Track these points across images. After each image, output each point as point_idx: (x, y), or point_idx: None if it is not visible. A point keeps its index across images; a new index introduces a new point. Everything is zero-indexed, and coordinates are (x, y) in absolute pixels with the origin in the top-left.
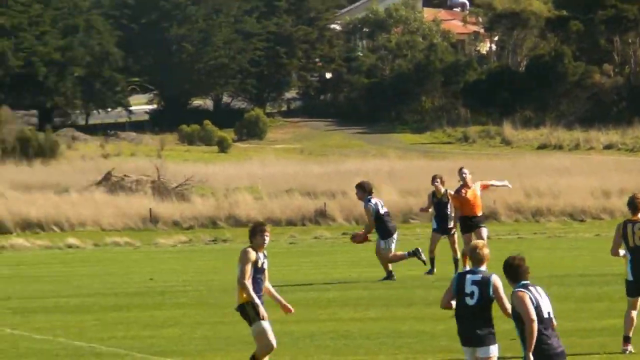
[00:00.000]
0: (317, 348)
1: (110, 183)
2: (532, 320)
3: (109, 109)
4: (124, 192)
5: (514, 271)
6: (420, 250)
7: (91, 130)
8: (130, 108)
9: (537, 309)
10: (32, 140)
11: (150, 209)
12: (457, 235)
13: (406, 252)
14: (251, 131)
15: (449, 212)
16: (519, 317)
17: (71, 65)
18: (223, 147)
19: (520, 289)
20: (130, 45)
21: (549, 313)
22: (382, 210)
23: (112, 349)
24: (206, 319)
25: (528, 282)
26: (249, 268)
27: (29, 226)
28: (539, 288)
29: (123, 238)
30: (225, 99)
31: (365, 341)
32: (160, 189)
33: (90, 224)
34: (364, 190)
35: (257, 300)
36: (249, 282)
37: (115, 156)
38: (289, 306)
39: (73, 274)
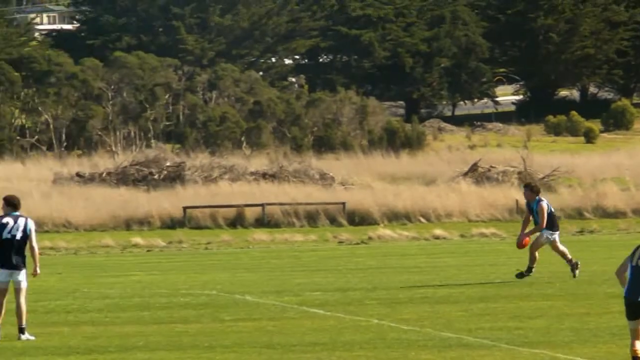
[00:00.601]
0: None
1: (476, 174)
2: None
3: (475, 100)
4: (490, 183)
5: None
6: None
7: (457, 121)
8: (497, 99)
9: None
10: (399, 132)
11: (516, 200)
12: None
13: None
14: (618, 122)
15: None
16: None
17: (437, 57)
18: (589, 138)
19: None
20: (496, 35)
21: None
22: (552, 210)
23: (479, 340)
24: (573, 311)
25: None
26: None
27: (395, 217)
28: None
29: (489, 229)
30: (592, 89)
31: None
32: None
33: (456, 215)
34: (533, 191)
35: None
36: None
37: (481, 147)
38: None
39: (440, 265)
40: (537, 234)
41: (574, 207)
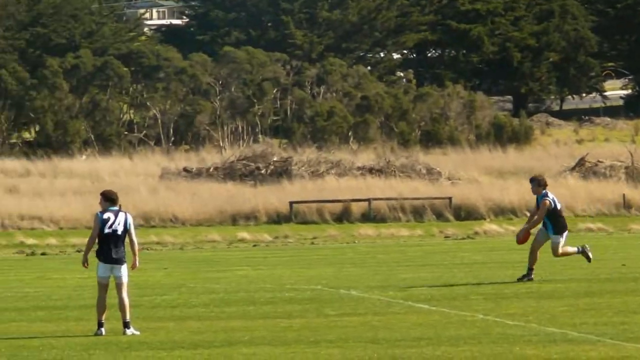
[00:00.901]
0: None
1: (583, 169)
2: None
3: (583, 95)
4: (597, 177)
5: None
6: (588, 248)
7: (565, 115)
8: (605, 93)
9: None
10: (506, 126)
11: (623, 194)
12: None
13: (576, 248)
14: None
15: None
16: None
17: (546, 51)
18: None
19: None
20: (605, 30)
21: None
22: (558, 206)
23: (584, 335)
24: None
25: None
26: None
27: (501, 212)
28: None
29: (596, 224)
30: None
31: None
32: (633, 175)
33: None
34: (539, 185)
35: None
36: None
37: (589, 141)
38: None
39: (545, 260)
40: (539, 228)
41: None
